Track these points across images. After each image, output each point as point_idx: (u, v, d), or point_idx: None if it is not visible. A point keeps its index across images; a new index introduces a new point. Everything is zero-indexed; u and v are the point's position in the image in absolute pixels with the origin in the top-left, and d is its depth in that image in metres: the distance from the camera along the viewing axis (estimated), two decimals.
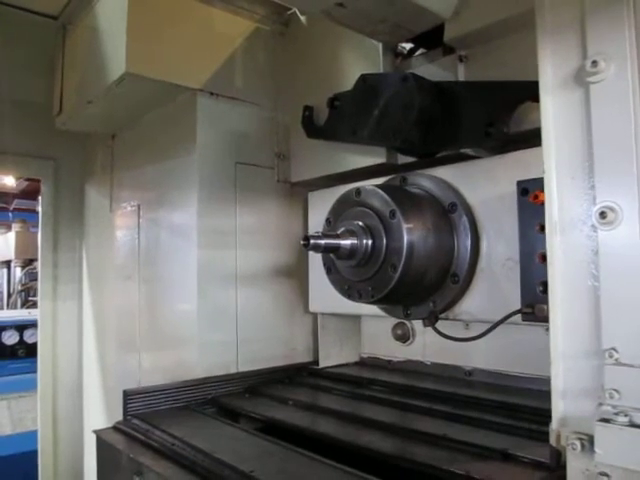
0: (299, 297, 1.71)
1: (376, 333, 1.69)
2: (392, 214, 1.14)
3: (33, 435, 2.49)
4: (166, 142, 1.72)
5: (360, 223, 1.18)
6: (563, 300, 0.72)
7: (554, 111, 0.72)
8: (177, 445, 1.08)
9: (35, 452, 2.31)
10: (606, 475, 0.65)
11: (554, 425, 0.72)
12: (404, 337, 1.60)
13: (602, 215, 0.66)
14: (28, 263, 6.76)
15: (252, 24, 1.67)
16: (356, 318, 1.72)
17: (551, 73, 0.72)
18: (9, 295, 6.89)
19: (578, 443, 0.68)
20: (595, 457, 0.66)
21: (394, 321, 1.59)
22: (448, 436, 1.03)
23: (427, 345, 1.55)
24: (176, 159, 1.66)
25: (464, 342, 1.17)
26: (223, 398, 1.42)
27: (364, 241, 1.16)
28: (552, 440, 0.73)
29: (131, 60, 1.43)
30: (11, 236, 7.02)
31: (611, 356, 0.66)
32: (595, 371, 0.68)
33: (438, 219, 1.20)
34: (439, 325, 1.22)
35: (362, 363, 1.72)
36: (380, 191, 1.18)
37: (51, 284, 2.22)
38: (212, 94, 1.59)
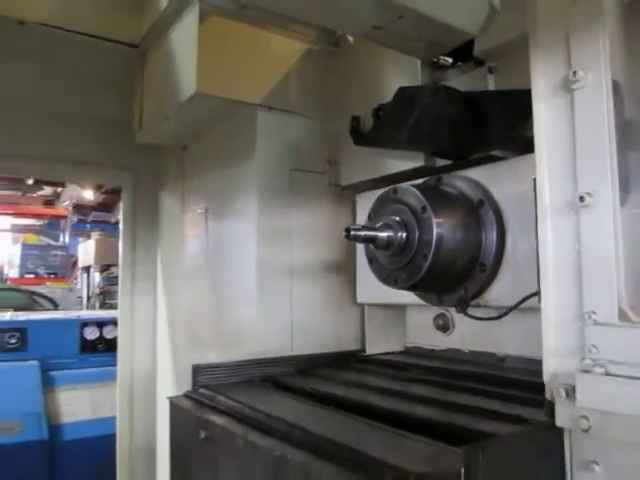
0: (347, 291, 1.88)
1: (419, 324, 1.82)
2: (423, 209, 1.29)
3: (110, 420, 2.79)
4: (229, 152, 1.94)
5: (396, 218, 1.33)
6: (552, 273, 0.85)
7: (545, 115, 0.86)
8: (237, 406, 1.27)
9: (113, 435, 2.58)
10: (586, 417, 0.78)
11: (546, 379, 0.85)
12: (444, 327, 1.73)
13: (581, 199, 0.79)
14: (106, 268, 7.27)
15: (305, 45, 1.86)
16: (401, 310, 1.86)
17: (542, 83, 0.86)
18: (89, 298, 7.43)
19: (563, 392, 0.81)
20: (577, 403, 0.78)
21: (435, 312, 1.72)
22: (479, 406, 1.16)
23: (465, 334, 1.67)
24: (238, 167, 1.87)
25: (490, 321, 1.31)
26: (278, 376, 1.61)
27: (399, 234, 1.31)
28: (547, 394, 0.86)
29: (200, 81, 1.65)
30: (91, 244, 7.58)
31: (590, 317, 0.78)
32: (579, 332, 0.81)
33: (467, 214, 1.34)
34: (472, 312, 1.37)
35: (406, 352, 1.86)
36: (414, 189, 1.33)
37: (130, 281, 2.49)
38: (270, 108, 1.79)
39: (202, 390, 1.45)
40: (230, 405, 1.29)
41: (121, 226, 2.48)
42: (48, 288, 7.85)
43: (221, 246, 1.97)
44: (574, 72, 0.80)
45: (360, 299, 1.82)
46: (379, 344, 1.87)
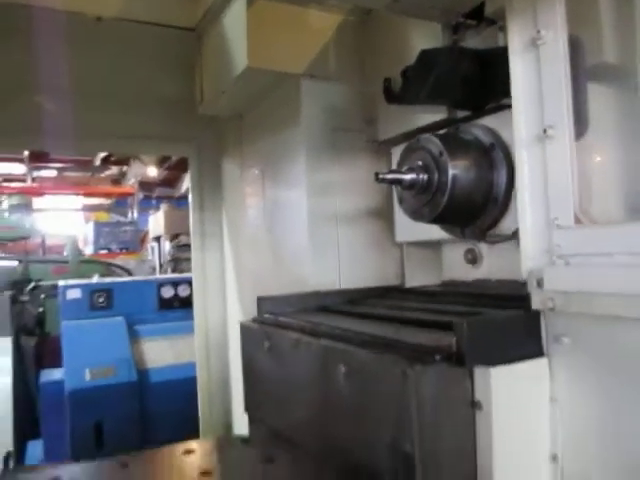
0: (387, 233, 2.14)
1: (452, 260, 2.07)
2: (441, 154, 1.53)
3: (187, 365, 3.22)
4: (279, 118, 2.21)
5: (419, 162, 1.58)
6: (527, 192, 1.09)
7: (520, 67, 1.09)
8: (293, 321, 1.58)
9: (190, 377, 2.99)
10: (551, 299, 1.02)
11: (524, 276, 1.10)
12: (474, 260, 1.97)
13: (545, 132, 1.02)
14: (175, 237, 7.82)
15: (340, 17, 2.10)
16: (436, 248, 2.11)
17: (517, 41, 1.08)
18: (161, 265, 8.02)
19: (535, 282, 1.05)
20: (544, 288, 1.03)
21: (465, 248, 1.97)
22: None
23: (492, 265, 1.91)
24: (287, 131, 2.15)
25: (510, 253, 1.55)
26: (329, 305, 1.91)
27: (421, 175, 1.56)
28: (528, 288, 1.11)
29: (250, 57, 1.93)
30: (160, 215, 8.13)
31: (554, 222, 1.02)
32: (547, 235, 1.05)
33: (480, 156, 1.57)
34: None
35: (442, 285, 2.12)
36: (433, 137, 1.57)
37: (200, 239, 2.84)
38: (312, 77, 2.05)
39: (266, 315, 1.77)
40: (288, 321, 1.60)
41: (190, 189, 2.83)
42: (121, 261, 8.48)
43: (276, 201, 2.28)
44: (538, 31, 1.02)
45: (398, 238, 2.08)
46: (417, 279, 2.13)
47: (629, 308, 0.89)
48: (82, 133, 2.45)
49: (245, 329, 1.74)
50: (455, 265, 2.07)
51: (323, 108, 2.08)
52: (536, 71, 1.05)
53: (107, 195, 16.03)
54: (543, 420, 1.07)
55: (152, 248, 8.92)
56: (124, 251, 11.98)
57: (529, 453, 1.06)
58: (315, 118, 2.07)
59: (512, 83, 1.11)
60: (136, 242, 12.60)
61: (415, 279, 2.12)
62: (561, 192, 1.01)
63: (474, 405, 1.03)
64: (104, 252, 11.80)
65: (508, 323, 1.08)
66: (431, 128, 1.88)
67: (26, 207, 10.48)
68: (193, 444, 1.68)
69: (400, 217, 2.03)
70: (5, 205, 10.22)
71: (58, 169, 15.22)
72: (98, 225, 13.12)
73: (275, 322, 1.65)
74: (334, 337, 1.33)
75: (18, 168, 14.43)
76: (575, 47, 1.03)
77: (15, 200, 10.11)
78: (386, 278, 2.16)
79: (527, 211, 1.08)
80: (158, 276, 4.98)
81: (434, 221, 1.62)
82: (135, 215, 14.46)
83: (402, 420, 1.01)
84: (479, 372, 1.02)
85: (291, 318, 1.62)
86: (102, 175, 16.38)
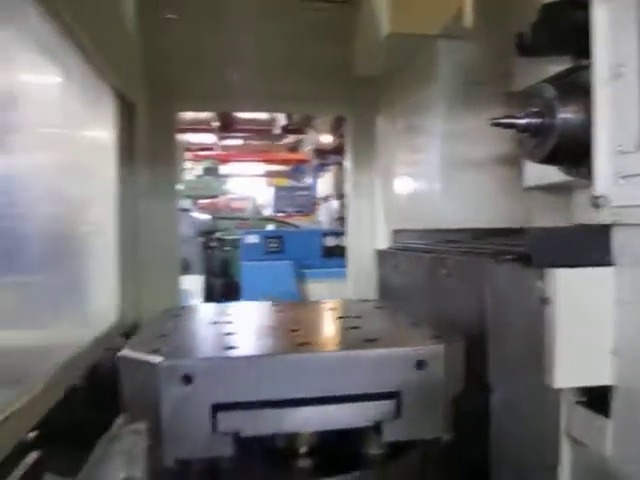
0: (516, 178, 2.30)
1: (579, 205, 2.17)
2: (553, 98, 1.69)
3: None
4: (420, 75, 2.48)
5: (533, 107, 1.76)
6: (600, 119, 1.26)
7: (600, 17, 1.25)
8: (419, 245, 1.88)
9: None
10: (618, 214, 1.20)
11: (596, 194, 1.28)
12: (596, 205, 2.07)
13: (616, 70, 1.19)
14: (341, 197, 8.40)
15: None
16: (564, 194, 2.23)
17: None
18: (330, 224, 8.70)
19: (603, 200, 1.23)
20: (611, 205, 1.21)
21: (591, 193, 2.07)
22: None
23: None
24: (427, 86, 2.41)
25: None
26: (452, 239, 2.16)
27: (534, 119, 1.74)
28: (600, 205, 1.28)
29: (392, 23, 2.22)
30: (329, 176, 8.77)
31: (619, 148, 1.19)
32: (614, 160, 1.22)
33: (589, 101, 1.70)
34: None
35: None
36: (547, 84, 1.74)
37: (354, 187, 3.23)
38: (448, 36, 2.28)
39: (396, 243, 2.10)
40: (412, 247, 1.91)
41: (349, 144, 3.23)
42: (295, 221, 9.31)
43: (416, 150, 2.56)
44: None
45: (527, 183, 2.24)
46: (545, 224, 2.27)
47: None
48: (257, 96, 2.95)
49: (379, 253, 2.09)
50: (581, 210, 2.17)
51: (459, 64, 2.30)
52: (614, 18, 1.20)
53: (285, 162, 17.27)
54: (607, 319, 1.25)
55: (322, 209, 9.63)
56: (299, 213, 12.91)
57: (591, 345, 1.26)
58: (451, 74, 2.30)
59: (592, 26, 1.28)
60: (310, 205, 13.48)
61: (543, 224, 2.27)
62: (627, 123, 1.17)
63: (542, 301, 1.26)
64: (281, 214, 12.88)
65: (578, 233, 1.27)
66: (558, 77, 2.00)
67: (215, 171, 11.86)
68: None
69: (528, 163, 2.19)
70: (199, 170, 11.68)
71: (243, 138, 16.81)
72: (277, 189, 14.29)
73: (402, 248, 1.97)
74: (440, 252, 1.61)
75: (209, 138, 16.23)
76: None
77: (207, 164, 11.54)
78: (514, 222, 2.33)
79: (599, 139, 1.26)
80: (323, 227, 5.53)
81: (545, 161, 1.79)
82: (310, 180, 15.42)
83: (482, 304, 1.28)
84: (548, 272, 1.25)
85: (416, 244, 1.93)
86: (281, 143, 17.68)
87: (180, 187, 8.95)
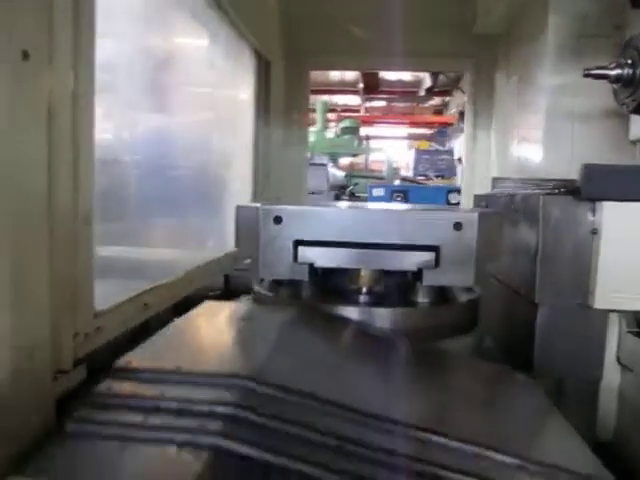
0: (622, 131, 2.33)
1: None
2: None
3: None
4: (532, 29, 2.56)
5: (625, 59, 1.83)
6: None
7: None
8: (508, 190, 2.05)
9: None
10: None
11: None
12: None
13: None
14: None
15: None
16: None
17: None
18: None
19: None
20: None
21: None
22: None
23: None
24: (538, 39, 2.49)
25: None
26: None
27: (626, 70, 1.81)
28: None
29: None
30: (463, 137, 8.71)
31: None
32: None
33: None
34: None
35: None
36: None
37: (471, 140, 3.38)
38: None
39: (494, 189, 2.27)
40: (505, 190, 2.08)
41: (466, 100, 3.37)
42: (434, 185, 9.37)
43: (526, 103, 2.66)
44: None
45: (633, 135, 2.27)
46: None
47: None
48: (385, 53, 3.19)
49: (475, 197, 2.29)
50: None
51: (571, 16, 2.35)
52: None
53: (428, 124, 17.08)
54: None
55: (459, 170, 9.60)
56: (439, 178, 12.82)
57: (633, 274, 1.39)
58: (562, 26, 2.36)
59: None
60: (451, 169, 13.30)
61: None
62: None
63: (592, 232, 1.41)
64: (421, 178, 12.90)
65: (629, 170, 1.38)
66: None
67: (355, 130, 12.13)
68: None
69: (635, 116, 2.21)
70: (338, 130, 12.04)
71: (387, 100, 16.90)
72: (418, 152, 14.25)
73: (494, 193, 2.15)
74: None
75: (354, 100, 16.55)
76: None
77: (346, 124, 11.87)
78: None
79: None
80: (449, 184, 5.64)
81: (636, 111, 1.86)
82: (453, 144, 15.17)
83: (536, 234, 1.47)
84: (598, 205, 1.40)
85: (506, 190, 2.10)
86: (426, 105, 17.48)
87: (317, 143, 9.45)
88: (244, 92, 2.72)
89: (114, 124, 1.53)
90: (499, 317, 1.76)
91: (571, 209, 1.43)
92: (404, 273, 1.21)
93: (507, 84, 2.96)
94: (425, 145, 16.23)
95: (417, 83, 15.16)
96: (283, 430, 0.57)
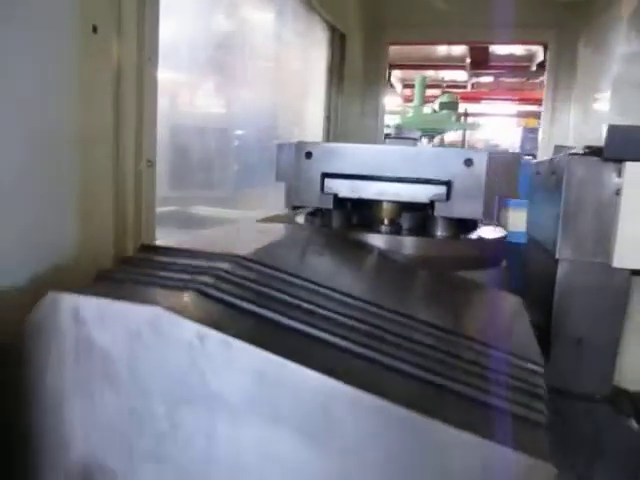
0: None
1: None
2: None
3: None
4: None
5: None
6: None
7: None
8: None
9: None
10: None
11: None
12: None
13: None
14: None
15: None
16: None
17: None
18: None
19: None
20: None
21: None
22: None
23: None
24: (614, 7, 2.44)
25: None
26: None
27: None
28: None
29: None
30: None
31: None
32: None
33: None
34: None
35: None
36: None
37: (551, 112, 3.33)
38: None
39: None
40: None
41: (546, 69, 3.32)
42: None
43: (599, 71, 2.62)
44: None
45: None
46: None
47: None
48: (465, 24, 3.23)
49: (535, 164, 2.32)
50: None
51: None
52: None
53: (538, 101, 16.22)
54: None
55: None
56: None
57: None
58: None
59: None
60: None
61: None
62: None
63: (617, 192, 1.45)
64: (528, 157, 12.33)
65: None
66: None
67: (454, 106, 11.75)
68: None
69: None
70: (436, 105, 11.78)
71: (495, 75, 16.23)
72: (525, 131, 13.62)
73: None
74: None
75: (461, 75, 16.06)
76: None
77: (444, 99, 11.56)
78: None
79: None
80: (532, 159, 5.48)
81: None
82: None
83: (561, 194, 1.53)
84: (623, 166, 1.43)
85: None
86: (536, 81, 16.59)
87: (413, 119, 9.31)
88: (317, 63, 2.88)
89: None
90: (529, 274, 1.84)
91: (596, 169, 1.48)
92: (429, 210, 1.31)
93: (587, 54, 2.90)
94: (534, 123, 15.43)
95: (529, 57, 14.43)
96: (257, 289, 0.76)
